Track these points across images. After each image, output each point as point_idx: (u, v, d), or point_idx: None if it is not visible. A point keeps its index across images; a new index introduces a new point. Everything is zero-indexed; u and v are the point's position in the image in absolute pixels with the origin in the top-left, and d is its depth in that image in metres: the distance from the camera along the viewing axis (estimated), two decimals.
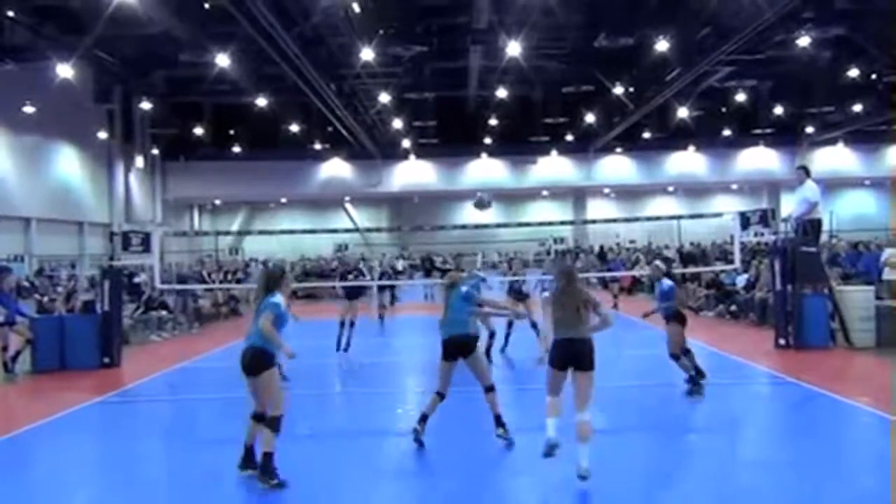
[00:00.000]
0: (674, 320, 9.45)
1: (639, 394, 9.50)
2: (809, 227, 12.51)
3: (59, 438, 8.13)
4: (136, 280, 18.55)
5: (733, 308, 16.81)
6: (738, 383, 10.21)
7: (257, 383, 6.20)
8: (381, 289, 19.30)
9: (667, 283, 9.58)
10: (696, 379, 9.22)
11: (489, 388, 7.20)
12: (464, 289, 7.37)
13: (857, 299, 12.22)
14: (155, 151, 38.75)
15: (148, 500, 6.06)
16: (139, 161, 36.31)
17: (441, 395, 7.20)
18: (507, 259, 16.51)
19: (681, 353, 9.37)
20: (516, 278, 13.64)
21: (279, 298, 6.26)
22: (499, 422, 7.16)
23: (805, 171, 12.98)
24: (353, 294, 13.60)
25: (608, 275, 22.95)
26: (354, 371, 12.28)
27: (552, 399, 6.19)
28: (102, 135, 34.08)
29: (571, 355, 6.06)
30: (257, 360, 6.15)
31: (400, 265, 31.72)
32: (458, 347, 7.14)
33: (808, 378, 9.57)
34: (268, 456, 6.04)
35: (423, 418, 7.12)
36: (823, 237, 15.19)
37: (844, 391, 8.83)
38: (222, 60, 23.97)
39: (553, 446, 6.04)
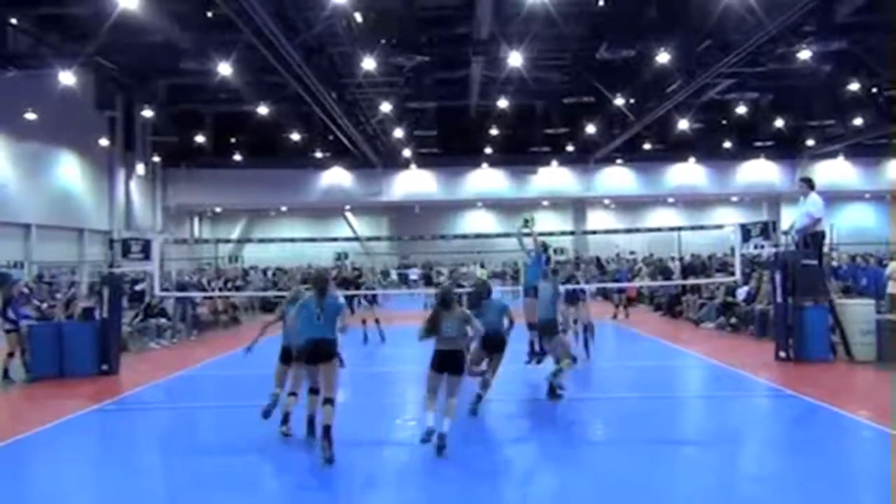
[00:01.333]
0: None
1: (637, 406, 9.45)
2: (811, 239, 12.49)
3: (55, 446, 8.08)
4: (138, 287, 18.51)
5: (733, 320, 16.77)
6: (738, 396, 10.17)
7: (328, 368, 7.21)
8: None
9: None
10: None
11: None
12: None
13: (858, 313, 12.18)
14: (156, 159, 38.79)
15: None
16: (140, 168, 36.34)
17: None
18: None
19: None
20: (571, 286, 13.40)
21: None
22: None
23: (809, 184, 12.91)
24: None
25: (615, 285, 22.78)
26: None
27: (430, 396, 7.34)
28: (104, 142, 34.15)
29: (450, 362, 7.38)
30: (332, 349, 7.23)
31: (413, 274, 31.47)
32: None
33: (808, 391, 9.53)
34: (328, 428, 6.93)
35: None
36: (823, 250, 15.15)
37: (845, 405, 8.79)
38: (224, 69, 24.02)
39: (430, 433, 7.04)
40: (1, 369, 11.88)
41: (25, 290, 15.32)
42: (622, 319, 20.05)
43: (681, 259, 27.97)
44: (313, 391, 7.58)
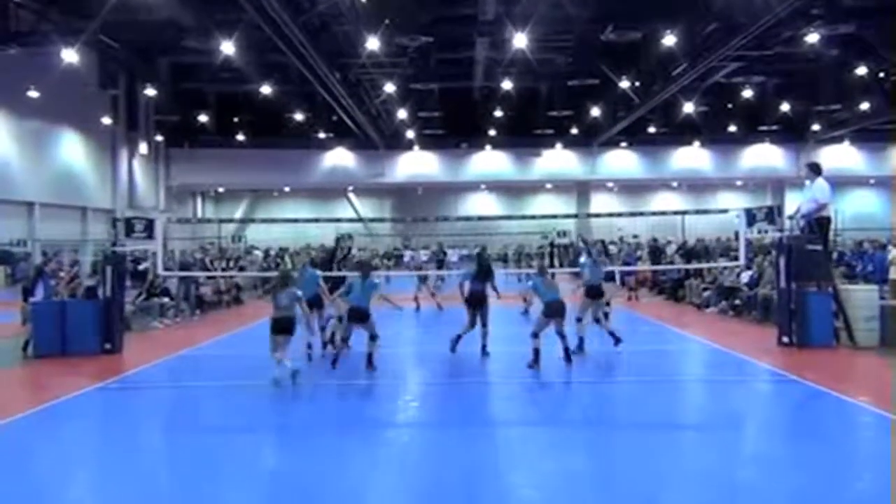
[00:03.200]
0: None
1: (639, 389, 9.46)
2: (817, 225, 12.43)
3: (58, 424, 8.11)
4: (141, 267, 18.52)
5: (736, 304, 16.75)
6: (740, 380, 10.17)
7: (369, 324, 10.31)
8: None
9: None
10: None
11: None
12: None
13: (862, 298, 12.14)
14: (159, 138, 38.74)
15: (147, 487, 6.04)
16: (143, 147, 36.30)
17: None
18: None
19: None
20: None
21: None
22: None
23: (815, 170, 12.83)
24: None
25: (626, 269, 22.66)
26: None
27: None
28: (106, 121, 34.09)
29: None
30: (368, 313, 10.32)
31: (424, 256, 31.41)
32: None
33: (811, 376, 9.53)
34: (371, 356, 10.28)
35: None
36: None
37: (847, 390, 8.79)
38: (227, 48, 23.90)
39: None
40: (22, 342, 12.02)
41: (53, 267, 15.54)
42: (633, 303, 19.97)
43: (683, 243, 27.90)
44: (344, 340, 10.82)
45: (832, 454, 6.69)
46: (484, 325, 11.53)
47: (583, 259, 13.44)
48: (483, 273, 11.86)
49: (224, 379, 10.45)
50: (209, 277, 19.69)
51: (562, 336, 10.37)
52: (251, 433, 7.48)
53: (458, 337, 11.55)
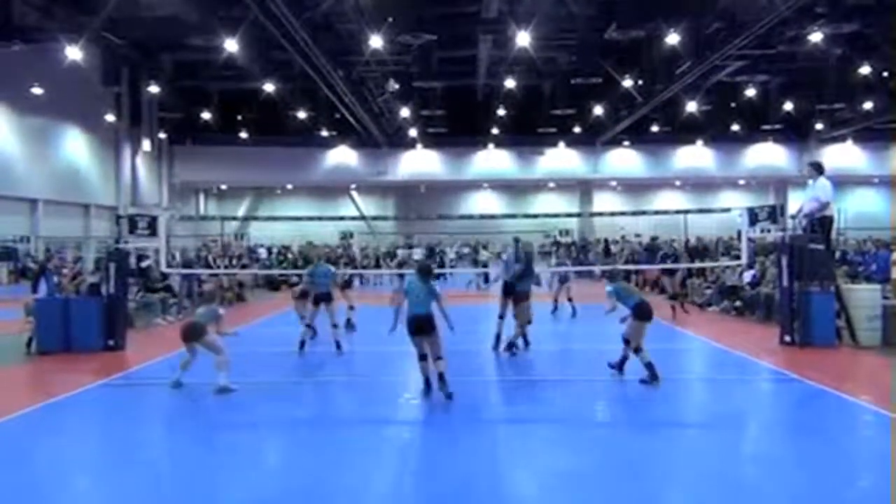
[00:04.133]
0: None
1: (641, 388, 9.45)
2: (819, 224, 12.43)
3: (63, 420, 8.14)
4: (144, 264, 18.55)
5: (738, 304, 16.75)
6: (742, 380, 10.17)
7: (433, 338, 8.73)
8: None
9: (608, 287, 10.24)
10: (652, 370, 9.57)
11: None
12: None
13: (864, 298, 12.14)
14: (162, 135, 38.80)
15: (151, 483, 6.06)
16: (146, 144, 36.34)
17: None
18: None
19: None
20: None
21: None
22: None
23: (818, 169, 12.82)
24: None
25: (640, 267, 22.46)
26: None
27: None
28: (110, 118, 34.13)
29: None
30: (433, 322, 8.76)
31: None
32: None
33: (812, 376, 9.53)
34: (442, 375, 8.63)
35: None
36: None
37: (848, 389, 8.80)
38: (231, 45, 23.92)
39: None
40: (26, 339, 12.04)
41: (31, 266, 15.50)
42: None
43: (686, 241, 27.88)
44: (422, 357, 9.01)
45: (833, 453, 6.70)
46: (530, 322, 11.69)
47: (505, 256, 13.28)
48: (528, 270, 11.73)
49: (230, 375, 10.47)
50: (212, 275, 19.71)
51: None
52: (255, 429, 7.50)
53: (501, 338, 11.71)
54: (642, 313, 9.47)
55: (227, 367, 9.09)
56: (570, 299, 17.00)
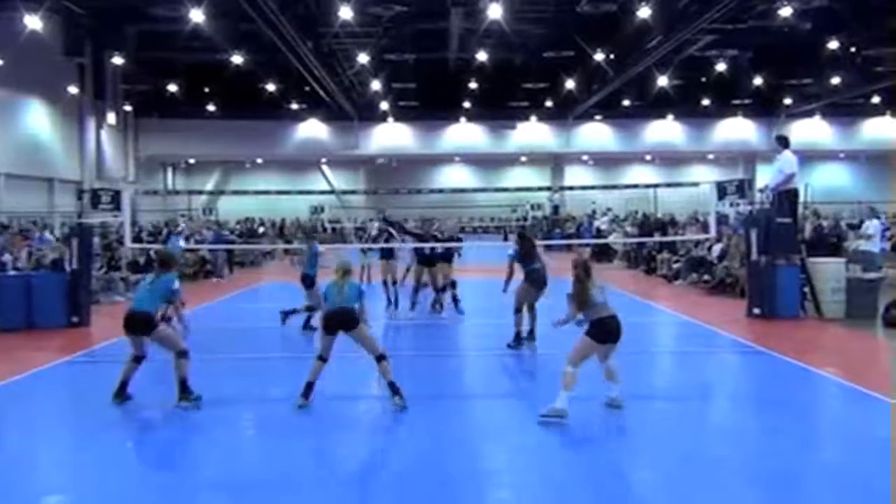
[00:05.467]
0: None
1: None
2: (785, 198, 12.56)
3: (26, 398, 8.01)
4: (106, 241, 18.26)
5: (706, 277, 16.91)
6: (707, 351, 10.29)
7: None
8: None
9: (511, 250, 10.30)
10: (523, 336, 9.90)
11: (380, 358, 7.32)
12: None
13: (829, 271, 12.34)
14: (127, 108, 38.01)
15: (114, 462, 5.98)
16: (111, 117, 35.59)
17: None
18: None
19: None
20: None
21: None
22: (394, 389, 7.15)
23: (783, 142, 12.98)
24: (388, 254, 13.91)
25: (577, 242, 22.92)
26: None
27: None
28: (73, 89, 33.28)
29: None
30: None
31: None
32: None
33: (777, 347, 9.67)
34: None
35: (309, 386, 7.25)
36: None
37: (811, 361, 8.94)
38: (196, 16, 23.40)
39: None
40: None
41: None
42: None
43: (645, 215, 28.11)
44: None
45: (796, 423, 6.80)
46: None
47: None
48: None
49: (194, 352, 10.34)
50: (188, 251, 19.46)
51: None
52: (220, 406, 7.42)
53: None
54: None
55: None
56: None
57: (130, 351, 7.49)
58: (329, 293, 7.33)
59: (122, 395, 7.40)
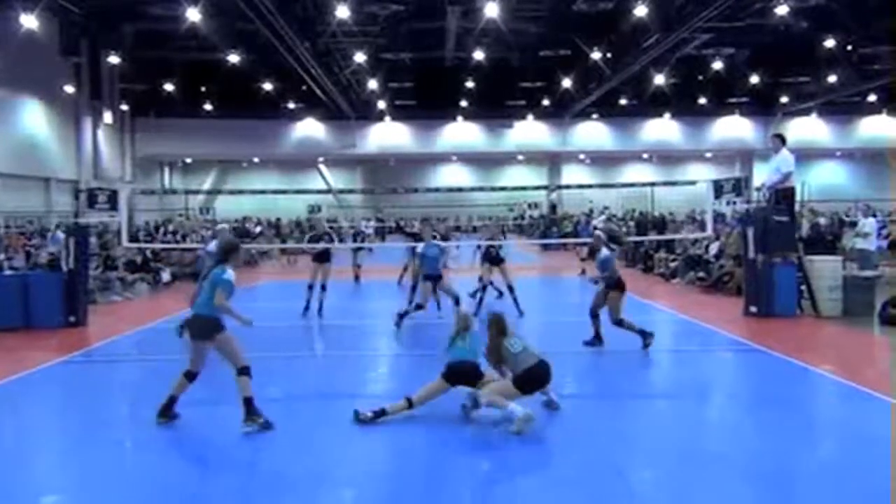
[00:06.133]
0: (613, 289, 9.75)
1: (602, 360, 9.55)
2: (782, 196, 12.57)
3: (22, 397, 7.99)
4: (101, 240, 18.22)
5: (702, 275, 16.92)
6: (704, 350, 10.30)
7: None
8: (356, 250, 19.20)
9: (605, 253, 9.83)
10: (645, 333, 9.65)
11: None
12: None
13: (826, 269, 12.35)
14: (124, 107, 37.96)
15: (112, 461, 5.97)
16: (108, 117, 35.53)
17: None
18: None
19: (619, 320, 9.72)
20: (493, 243, 13.67)
21: None
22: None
23: (781, 140, 12.99)
24: (323, 257, 13.46)
25: (573, 241, 23.01)
26: (323, 333, 12.25)
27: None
28: (69, 89, 33.20)
29: None
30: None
31: (368, 228, 31.71)
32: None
33: (774, 346, 9.68)
34: (249, 400, 6.46)
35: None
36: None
37: (808, 359, 8.95)
38: (193, 15, 23.37)
39: None
40: None
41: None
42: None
43: (641, 214, 28.14)
44: None
45: (794, 422, 6.80)
46: None
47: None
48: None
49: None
50: (173, 250, 19.43)
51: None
52: (217, 406, 7.39)
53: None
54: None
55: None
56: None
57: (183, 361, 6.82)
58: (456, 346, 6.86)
59: (168, 413, 6.68)
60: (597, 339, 9.93)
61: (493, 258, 13.32)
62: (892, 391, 7.17)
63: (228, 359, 6.54)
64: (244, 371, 6.49)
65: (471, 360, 6.75)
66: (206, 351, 6.63)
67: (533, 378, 6.54)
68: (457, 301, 11.41)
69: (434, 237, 12.51)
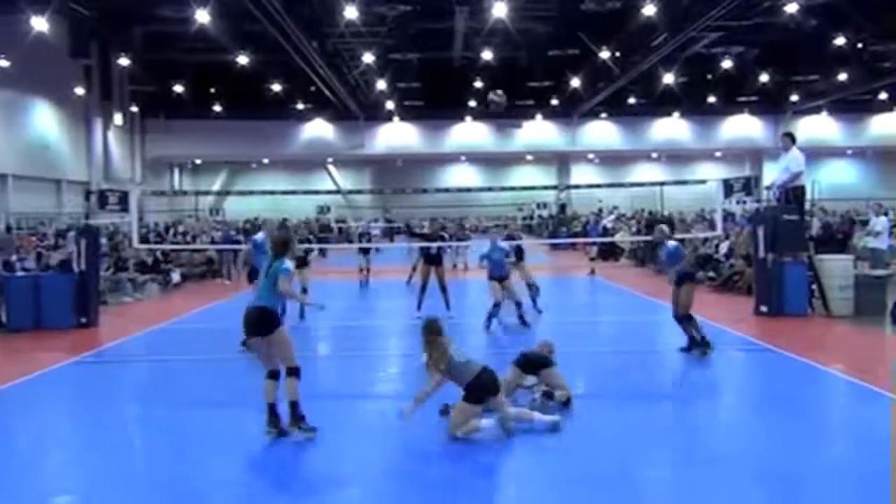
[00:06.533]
0: (686, 281, 9.42)
1: (614, 359, 9.53)
2: (792, 195, 12.52)
3: (34, 398, 8.04)
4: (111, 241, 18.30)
5: (711, 274, 16.86)
6: (715, 350, 10.25)
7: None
8: (364, 251, 19.09)
9: (672, 244, 9.63)
10: (697, 342, 9.31)
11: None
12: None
13: (837, 268, 12.28)
14: (134, 109, 38.13)
15: (123, 462, 6.00)
16: (118, 118, 35.70)
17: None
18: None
19: (687, 316, 9.38)
20: (516, 242, 13.70)
21: None
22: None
23: (791, 139, 12.91)
24: (435, 259, 13.00)
25: (583, 240, 22.91)
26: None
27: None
28: (79, 91, 33.39)
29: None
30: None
31: (375, 229, 31.66)
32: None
33: (784, 345, 9.64)
34: (295, 404, 6.31)
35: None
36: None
37: (820, 359, 8.90)
38: (202, 16, 23.45)
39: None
40: None
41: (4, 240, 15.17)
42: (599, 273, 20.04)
43: (650, 213, 28.06)
44: None
45: (804, 421, 6.77)
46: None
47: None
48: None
49: (202, 352, 10.40)
50: (183, 251, 19.50)
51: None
52: (229, 407, 7.42)
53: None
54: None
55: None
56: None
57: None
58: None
59: (275, 422, 6.33)
60: (700, 343, 9.37)
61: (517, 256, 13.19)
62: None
63: (282, 356, 6.34)
64: (294, 372, 6.30)
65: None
66: (265, 347, 6.37)
67: (484, 386, 6.20)
68: (518, 305, 11.55)
69: (509, 237, 12.60)
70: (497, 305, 11.40)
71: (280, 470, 5.77)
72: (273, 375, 6.37)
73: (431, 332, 6.38)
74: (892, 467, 5.12)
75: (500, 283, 11.48)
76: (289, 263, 6.44)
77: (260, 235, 11.29)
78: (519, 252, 13.33)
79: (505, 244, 12.22)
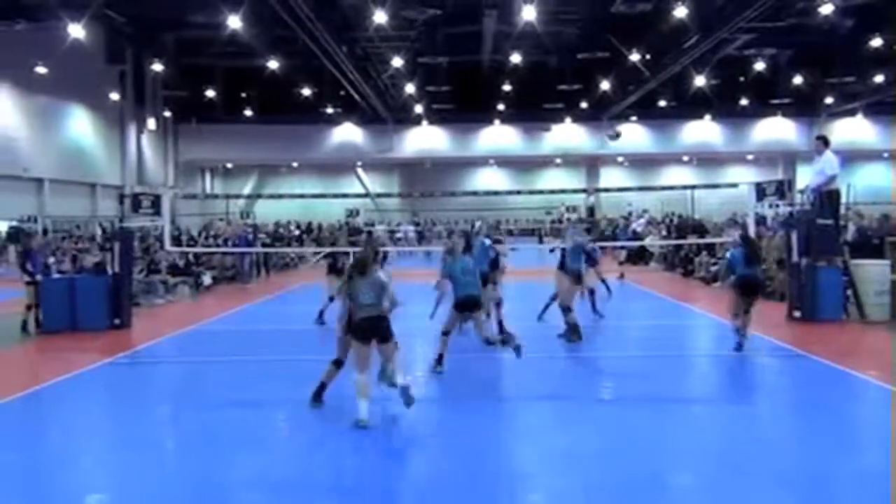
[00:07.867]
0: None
1: (644, 364, 9.44)
2: (826, 199, 12.32)
3: (69, 398, 8.17)
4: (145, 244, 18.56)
5: None
6: (747, 355, 10.11)
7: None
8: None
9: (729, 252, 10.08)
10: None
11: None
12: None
13: (872, 273, 12.06)
14: (167, 114, 38.70)
15: (157, 461, 6.08)
16: (151, 123, 36.26)
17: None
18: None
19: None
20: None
21: None
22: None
23: (824, 142, 12.72)
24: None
25: (613, 244, 22.70)
26: None
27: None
28: (114, 96, 34.01)
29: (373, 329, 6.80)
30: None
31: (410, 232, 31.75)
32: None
33: (818, 351, 9.48)
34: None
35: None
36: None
37: (853, 365, 8.74)
38: (234, 22, 23.75)
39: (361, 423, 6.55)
40: (20, 322, 12.00)
41: (41, 242, 15.40)
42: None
43: (680, 217, 27.77)
44: None
45: (835, 429, 6.66)
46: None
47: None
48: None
49: (234, 354, 10.50)
50: (213, 254, 19.72)
51: None
52: (260, 408, 7.49)
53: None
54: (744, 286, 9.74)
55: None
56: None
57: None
58: None
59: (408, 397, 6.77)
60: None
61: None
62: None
63: (393, 361, 6.92)
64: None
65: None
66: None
67: (361, 329, 6.73)
68: (591, 292, 12.24)
69: (496, 241, 12.44)
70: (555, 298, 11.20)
71: (312, 469, 5.80)
72: (337, 363, 7.08)
73: (352, 266, 7.09)
74: (893, 466, 5.02)
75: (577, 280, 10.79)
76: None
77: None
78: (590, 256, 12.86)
79: (585, 243, 11.52)
